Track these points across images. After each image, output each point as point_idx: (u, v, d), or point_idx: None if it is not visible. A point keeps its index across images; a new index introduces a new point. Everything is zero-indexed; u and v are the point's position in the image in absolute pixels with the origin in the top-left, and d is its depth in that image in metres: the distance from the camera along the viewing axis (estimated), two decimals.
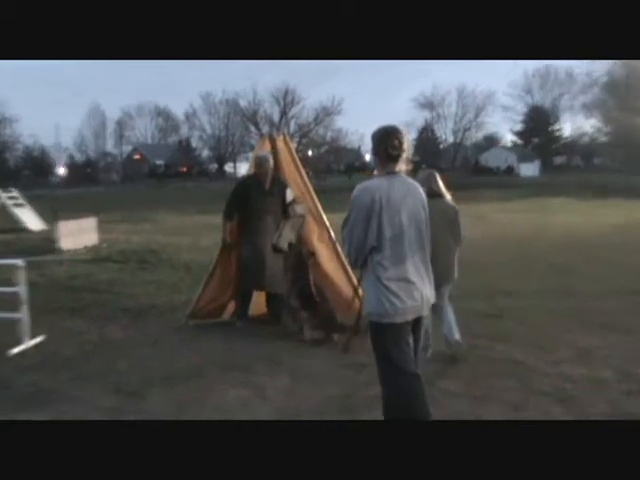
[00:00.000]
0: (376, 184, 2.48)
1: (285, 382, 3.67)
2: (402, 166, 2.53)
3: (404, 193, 2.48)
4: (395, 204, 2.43)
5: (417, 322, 2.55)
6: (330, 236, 4.92)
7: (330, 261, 4.87)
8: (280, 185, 4.90)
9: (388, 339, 2.46)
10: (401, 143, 2.47)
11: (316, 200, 5.02)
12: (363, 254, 2.48)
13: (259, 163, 4.89)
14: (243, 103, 53.48)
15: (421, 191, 2.59)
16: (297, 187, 5.01)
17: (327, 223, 4.96)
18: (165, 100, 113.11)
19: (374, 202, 2.41)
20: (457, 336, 4.02)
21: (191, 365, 4.03)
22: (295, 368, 3.92)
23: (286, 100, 50.38)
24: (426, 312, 2.58)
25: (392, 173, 2.50)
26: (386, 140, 2.48)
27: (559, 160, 63.45)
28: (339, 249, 4.67)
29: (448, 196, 4.03)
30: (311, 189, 5.05)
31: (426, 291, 2.50)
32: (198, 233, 11.92)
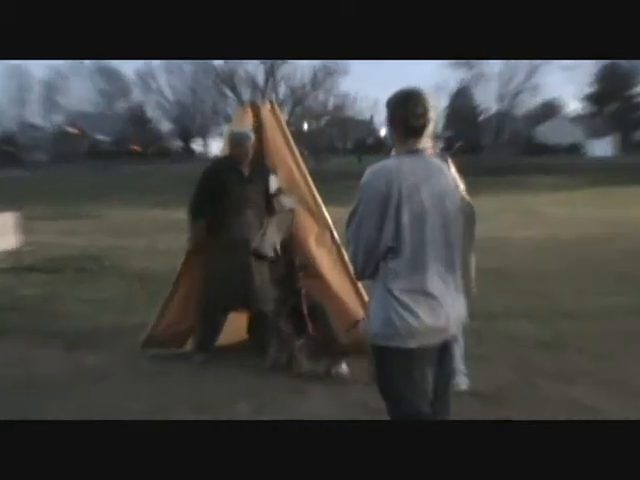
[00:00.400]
0: (393, 165, 2.44)
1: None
2: (427, 142, 2.49)
3: (427, 177, 2.43)
4: (417, 192, 2.38)
5: (444, 349, 2.54)
6: (333, 237, 4.96)
7: (333, 269, 4.91)
8: (263, 170, 4.95)
9: (396, 368, 2.43)
10: (426, 111, 2.43)
11: (314, 190, 5.05)
12: (375, 259, 2.42)
13: (237, 141, 4.90)
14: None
15: (450, 176, 2.56)
16: (288, 172, 5.05)
17: (329, 220, 5.00)
18: None
19: (391, 189, 2.35)
20: (463, 385, 4.00)
21: (149, 407, 4.07)
22: (285, 409, 3.98)
23: None
24: (454, 334, 2.55)
25: (414, 151, 2.46)
26: (405, 106, 2.45)
27: None
28: (345, 254, 4.73)
29: (462, 186, 4.06)
30: (307, 175, 5.09)
31: (454, 307, 2.46)
32: (156, 233, 11.99)
